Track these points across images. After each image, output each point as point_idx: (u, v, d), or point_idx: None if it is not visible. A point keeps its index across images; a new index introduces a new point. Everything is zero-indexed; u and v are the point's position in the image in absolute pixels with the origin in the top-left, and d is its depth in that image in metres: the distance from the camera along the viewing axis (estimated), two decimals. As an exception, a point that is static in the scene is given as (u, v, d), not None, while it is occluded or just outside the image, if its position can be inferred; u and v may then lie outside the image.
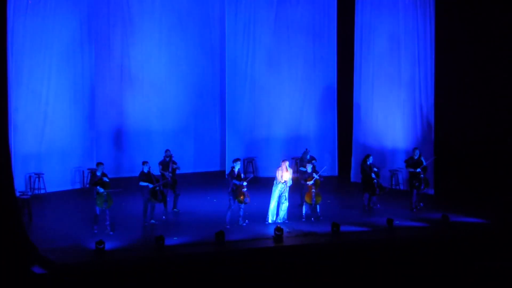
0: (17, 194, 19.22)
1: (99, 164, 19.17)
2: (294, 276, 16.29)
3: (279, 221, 19.29)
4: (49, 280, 15.17)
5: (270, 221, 19.35)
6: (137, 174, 19.95)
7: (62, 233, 18.47)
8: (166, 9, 26.44)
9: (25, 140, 22.54)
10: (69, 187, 23.75)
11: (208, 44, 27.37)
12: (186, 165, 23.49)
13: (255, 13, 26.21)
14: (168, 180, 20.23)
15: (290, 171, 19.66)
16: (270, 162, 25.20)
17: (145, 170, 19.16)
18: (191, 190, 22.55)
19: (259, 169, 26.31)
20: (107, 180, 18.76)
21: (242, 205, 19.07)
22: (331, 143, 26.76)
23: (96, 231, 18.37)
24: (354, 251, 17.43)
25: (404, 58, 24.14)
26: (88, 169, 23.69)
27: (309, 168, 20.10)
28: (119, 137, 26.07)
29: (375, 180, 20.79)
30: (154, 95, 26.46)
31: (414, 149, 21.51)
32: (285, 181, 19.45)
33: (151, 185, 19.03)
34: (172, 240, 17.29)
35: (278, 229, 17.80)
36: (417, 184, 21.08)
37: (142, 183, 19.09)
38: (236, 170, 19.11)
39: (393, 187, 23.79)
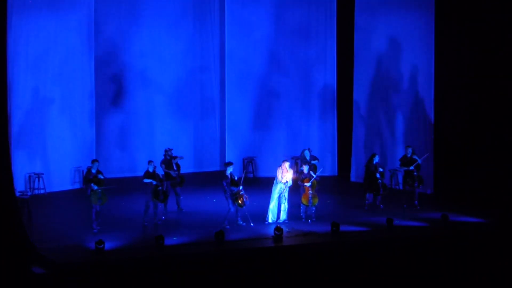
0: (17, 194, 19.23)
1: (94, 161, 19.31)
2: (294, 276, 16.30)
3: (281, 221, 19.29)
4: (49, 280, 15.17)
5: (270, 221, 19.35)
6: (136, 173, 20.03)
7: (61, 233, 18.48)
8: (166, 9, 26.45)
9: (24, 139, 22.54)
10: (68, 187, 23.74)
11: (208, 43, 27.35)
12: (185, 165, 23.46)
13: (255, 13, 26.22)
14: (176, 179, 20.29)
15: (291, 171, 19.66)
16: (270, 162, 25.19)
17: (150, 169, 19.18)
18: (190, 190, 22.54)
19: (259, 169, 26.32)
20: (102, 177, 18.87)
21: (243, 207, 19.08)
22: (331, 143, 26.76)
23: (95, 230, 18.43)
24: (354, 251, 17.43)
25: (404, 58, 24.14)
26: (88, 168, 23.67)
27: (305, 168, 20.07)
28: (118, 137, 26.07)
29: (379, 180, 20.78)
30: (154, 95, 26.47)
31: (407, 147, 21.59)
32: (286, 182, 19.45)
33: (154, 182, 19.01)
34: (171, 240, 17.29)
35: (278, 229, 17.80)
36: (410, 182, 21.15)
37: (146, 180, 19.07)
38: (228, 175, 19.08)
39: (393, 186, 23.78)
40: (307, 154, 21.63)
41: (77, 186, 24.04)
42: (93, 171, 18.98)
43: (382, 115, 24.83)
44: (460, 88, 22.80)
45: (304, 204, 19.77)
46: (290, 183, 19.55)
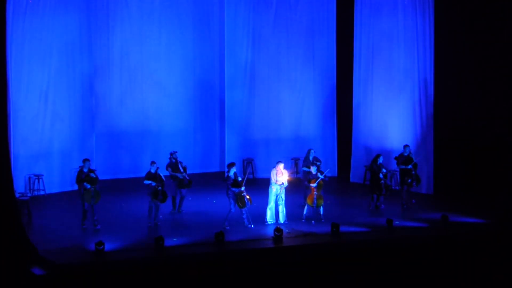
0: (17, 195, 19.23)
1: (85, 160, 19.42)
2: (294, 276, 16.30)
3: (280, 222, 19.28)
4: (49, 281, 15.16)
5: (269, 222, 19.34)
6: (137, 175, 20.06)
7: (61, 234, 18.48)
8: (165, 10, 26.45)
9: (24, 141, 22.54)
10: (68, 188, 23.71)
11: (207, 44, 27.37)
12: (186, 166, 23.45)
13: (255, 13, 26.23)
14: (185, 181, 20.32)
15: (286, 172, 19.63)
16: (269, 163, 25.04)
17: (152, 170, 19.20)
18: (190, 191, 22.51)
19: (258, 170, 26.31)
20: (94, 176, 19.00)
21: (245, 209, 19.07)
22: (331, 144, 26.77)
23: (85, 226, 18.68)
24: (354, 252, 17.43)
25: (404, 58, 24.15)
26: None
27: (313, 169, 20.02)
28: (118, 138, 26.05)
29: (382, 181, 20.78)
30: (154, 96, 26.47)
31: (405, 146, 21.63)
32: (282, 183, 19.44)
33: (154, 183, 19.03)
34: (171, 241, 17.28)
35: (278, 230, 17.79)
36: (409, 180, 21.20)
37: (146, 181, 19.10)
38: (232, 175, 19.08)
39: (393, 187, 23.76)
40: (311, 155, 21.57)
41: (76, 187, 24.01)
42: (85, 170, 19.12)
43: (382, 115, 24.82)
44: (460, 88, 22.82)
45: (308, 205, 19.74)
46: (286, 184, 19.53)
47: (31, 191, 22.54)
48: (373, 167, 20.96)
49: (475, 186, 22.13)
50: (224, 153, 26.58)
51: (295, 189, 21.86)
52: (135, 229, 18.77)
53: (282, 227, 18.09)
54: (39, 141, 23.13)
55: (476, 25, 22.26)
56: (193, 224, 19.44)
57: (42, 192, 22.81)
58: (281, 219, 19.42)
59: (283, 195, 19.48)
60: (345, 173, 25.95)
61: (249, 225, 18.95)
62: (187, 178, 20.64)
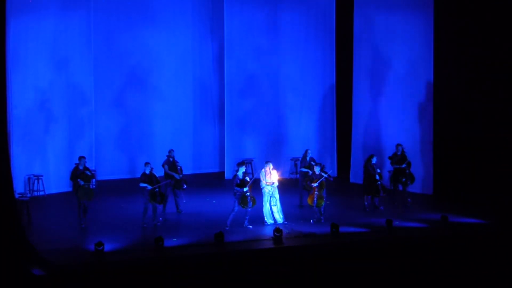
0: (16, 196, 19.23)
1: (81, 158, 19.60)
2: (294, 277, 16.30)
3: (279, 222, 19.28)
4: (49, 282, 15.16)
5: (268, 222, 19.33)
6: (136, 175, 20.05)
7: (61, 235, 18.49)
8: (165, 10, 26.46)
9: (24, 141, 22.54)
10: (68, 189, 23.68)
11: (207, 45, 27.38)
12: (185, 167, 23.45)
13: (254, 13, 26.22)
14: (181, 183, 20.31)
15: (276, 172, 19.60)
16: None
17: (147, 171, 19.21)
18: (190, 191, 22.52)
19: (257, 170, 26.27)
20: (89, 173, 19.28)
21: (249, 209, 19.06)
22: (330, 144, 26.77)
23: (83, 225, 18.88)
24: (354, 252, 17.42)
25: (404, 58, 24.13)
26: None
27: (317, 169, 19.96)
28: (118, 139, 26.07)
29: (379, 182, 20.77)
30: (154, 97, 26.49)
31: (397, 145, 21.69)
32: (272, 183, 19.42)
33: (150, 187, 19.05)
34: (171, 241, 17.28)
35: (278, 230, 17.79)
36: (404, 179, 21.21)
37: (142, 184, 19.14)
38: (240, 174, 19.08)
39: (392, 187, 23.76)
40: (309, 155, 21.58)
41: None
42: (81, 167, 19.33)
43: (382, 115, 24.82)
44: (460, 89, 22.79)
45: (309, 205, 19.72)
46: (276, 183, 19.50)
47: (31, 191, 22.54)
48: (368, 168, 20.94)
49: (475, 186, 22.12)
50: (224, 153, 26.56)
51: (292, 189, 21.89)
52: (134, 230, 18.78)
53: (281, 228, 18.08)
54: (39, 142, 23.13)
55: (477, 24, 22.25)
56: (192, 224, 19.43)
57: (41, 193, 22.81)
58: (279, 219, 19.38)
59: (276, 195, 19.45)
60: (345, 173, 25.94)
61: (248, 226, 18.94)
62: (181, 178, 20.53)
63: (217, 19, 27.15)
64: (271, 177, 19.44)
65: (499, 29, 21.84)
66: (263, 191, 19.45)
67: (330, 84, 26.75)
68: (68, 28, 23.57)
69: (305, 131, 26.71)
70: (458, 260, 17.32)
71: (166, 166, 20.65)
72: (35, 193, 22.62)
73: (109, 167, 25.66)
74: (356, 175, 25.26)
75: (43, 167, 23.17)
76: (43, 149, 23.25)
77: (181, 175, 20.64)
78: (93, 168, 24.17)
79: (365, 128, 25.28)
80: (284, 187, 20.84)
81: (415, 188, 23.47)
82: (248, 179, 19.10)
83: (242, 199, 18.87)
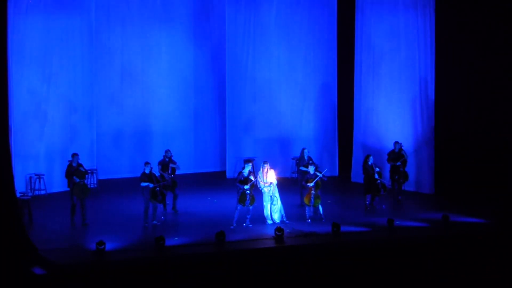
0: (18, 195, 19.25)
1: (74, 155, 19.78)
2: (295, 276, 16.30)
3: (278, 222, 19.28)
4: (50, 281, 15.17)
5: (269, 222, 19.34)
6: (137, 174, 20.02)
7: (62, 234, 18.51)
8: (166, 9, 26.44)
9: (25, 140, 22.55)
10: (69, 188, 23.71)
11: (208, 44, 27.36)
12: (186, 166, 23.50)
13: (255, 13, 26.21)
14: (168, 182, 20.20)
15: (273, 171, 19.60)
16: (270, 162, 25.08)
17: (147, 171, 19.22)
18: (191, 190, 22.54)
19: (259, 169, 26.24)
20: (83, 170, 19.46)
21: (251, 207, 19.05)
22: (332, 143, 26.76)
23: (74, 222, 19.11)
24: (355, 252, 17.42)
25: (405, 57, 24.12)
26: (88, 169, 23.66)
27: (311, 169, 20.02)
28: (119, 138, 26.08)
29: (378, 181, 20.78)
30: (154, 96, 26.48)
31: (395, 143, 21.81)
32: (270, 183, 19.43)
33: (151, 185, 19.06)
34: (172, 241, 17.28)
35: (279, 230, 17.79)
36: (396, 177, 21.26)
37: (143, 184, 19.15)
38: (245, 172, 19.09)
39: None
40: (306, 154, 21.58)
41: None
42: (74, 164, 19.49)
43: (383, 115, 24.81)
44: (461, 88, 22.81)
45: (306, 204, 19.75)
46: (275, 182, 19.50)
47: (32, 190, 22.54)
48: (366, 167, 20.97)
49: (476, 186, 22.12)
50: (225, 152, 26.56)
51: (293, 189, 21.88)
52: (135, 229, 18.78)
53: (283, 227, 18.08)
54: (40, 141, 23.13)
55: (477, 24, 22.25)
56: (194, 223, 19.43)
57: (43, 192, 22.83)
58: (277, 218, 19.37)
59: (277, 194, 19.47)
60: (346, 172, 25.93)
61: (249, 225, 18.94)
62: (169, 179, 20.45)
63: (218, 18, 27.13)
64: (268, 177, 19.44)
65: (500, 28, 21.84)
66: (263, 191, 19.45)
67: (331, 82, 26.73)
68: (68, 27, 23.55)
69: (306, 130, 26.69)
70: (459, 260, 17.31)
71: (159, 166, 20.68)
72: (36, 192, 22.63)
73: (110, 166, 25.65)
74: (357, 175, 25.23)
75: (44, 166, 23.16)
76: (45, 148, 23.25)
77: (170, 176, 20.52)
78: (94, 167, 24.22)
79: (366, 127, 25.26)
80: (285, 186, 20.83)
81: (416, 187, 23.53)
82: (252, 178, 19.11)
83: (241, 196, 18.90)
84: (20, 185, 21.45)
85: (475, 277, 16.63)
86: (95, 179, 24.01)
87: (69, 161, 19.96)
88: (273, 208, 19.41)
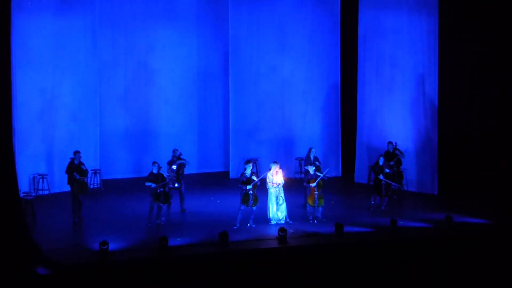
0: (21, 195, 19.25)
1: (76, 152, 19.94)
2: (298, 277, 16.30)
3: (282, 222, 19.28)
4: (53, 281, 15.18)
5: (273, 222, 19.33)
6: (141, 175, 20.08)
7: (66, 234, 18.55)
8: (170, 10, 26.46)
9: (29, 141, 22.58)
10: (69, 184, 23.73)
11: (211, 45, 27.36)
12: (190, 166, 23.45)
13: (259, 14, 26.19)
14: (167, 182, 20.22)
15: (281, 172, 19.60)
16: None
17: (154, 171, 19.22)
18: (194, 190, 22.55)
19: (262, 170, 26.27)
20: (84, 168, 19.66)
21: (254, 208, 19.05)
22: (335, 144, 26.76)
23: (76, 219, 19.31)
24: (358, 252, 17.42)
25: (408, 58, 24.11)
26: (92, 169, 23.73)
27: (311, 169, 20.04)
28: (123, 138, 26.08)
29: (383, 182, 20.78)
30: (157, 97, 26.48)
31: (388, 143, 21.94)
32: (278, 184, 19.42)
33: (154, 185, 19.06)
34: (175, 241, 17.29)
35: (282, 230, 17.79)
36: (389, 177, 21.34)
37: (147, 183, 19.16)
38: (247, 172, 19.09)
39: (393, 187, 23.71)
40: (312, 154, 21.57)
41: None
42: (76, 162, 19.69)
43: (387, 115, 24.80)
44: (465, 88, 22.78)
45: (310, 205, 19.74)
46: (282, 182, 19.50)
47: (36, 190, 22.57)
48: (375, 169, 21.02)
49: (479, 186, 22.10)
50: (228, 153, 26.56)
51: (297, 189, 21.87)
52: (139, 229, 18.78)
53: (286, 227, 18.08)
54: (44, 141, 23.16)
55: (481, 25, 22.23)
56: (197, 224, 19.44)
57: (46, 192, 22.85)
58: (282, 216, 19.36)
59: (282, 194, 19.46)
60: (350, 173, 25.93)
61: (252, 225, 18.94)
62: (172, 178, 20.45)
63: (222, 18, 27.12)
64: (277, 178, 19.44)
65: (504, 28, 21.82)
66: (269, 191, 19.45)
67: (335, 83, 26.73)
68: (73, 27, 23.57)
69: (310, 130, 26.67)
70: (462, 260, 17.30)
71: (168, 166, 20.68)
72: (40, 192, 22.65)
73: (115, 166, 25.67)
74: (360, 175, 25.25)
75: (48, 166, 23.18)
76: (48, 148, 23.26)
77: (171, 175, 20.50)
78: (98, 167, 24.23)
79: (370, 128, 25.25)
80: (288, 187, 20.82)
81: (419, 188, 23.51)
82: (255, 178, 19.11)
83: (244, 197, 18.90)
84: (23, 185, 21.48)
85: (479, 278, 16.62)
86: (98, 179, 24.03)
87: (71, 158, 20.03)
88: (279, 208, 19.41)
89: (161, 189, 19.20)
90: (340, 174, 26.51)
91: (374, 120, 25.16)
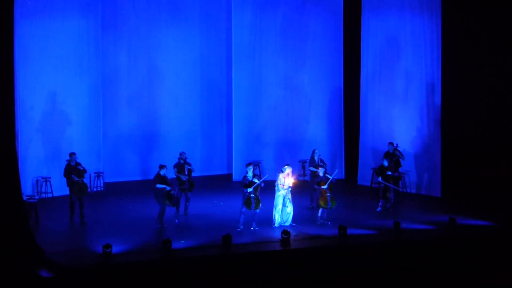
0: (24, 198, 19.29)
1: (72, 154, 19.98)
2: (301, 279, 16.29)
3: (286, 225, 19.26)
4: (57, 284, 15.18)
5: (277, 224, 19.32)
6: (144, 177, 20.05)
7: (69, 237, 18.54)
8: (173, 13, 26.49)
9: (32, 143, 22.59)
10: (68, 187, 23.73)
11: (215, 47, 27.38)
12: (194, 169, 23.45)
13: (262, 17, 26.21)
14: (186, 185, 20.27)
15: (292, 176, 19.58)
16: (277, 165, 25.11)
17: (162, 173, 19.19)
18: (198, 193, 22.53)
19: (265, 173, 26.25)
20: (82, 169, 19.67)
21: (257, 210, 19.05)
22: (338, 146, 26.76)
23: (74, 221, 19.37)
24: (361, 254, 17.40)
25: (411, 61, 24.13)
26: (95, 172, 23.75)
27: (321, 171, 19.99)
28: (126, 141, 26.08)
29: (381, 185, 20.79)
30: (161, 99, 26.51)
31: (389, 144, 21.92)
32: (289, 186, 19.41)
33: (168, 187, 19.03)
34: (179, 244, 17.28)
35: (285, 232, 17.78)
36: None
37: (159, 185, 19.08)
38: (249, 175, 19.08)
39: (401, 189, 23.70)
40: (316, 155, 21.57)
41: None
42: (73, 163, 19.71)
43: (389, 118, 24.80)
44: (468, 91, 22.76)
45: (322, 207, 19.68)
46: (291, 185, 19.49)
47: (39, 193, 22.57)
48: (378, 171, 21.03)
49: (482, 188, 22.08)
50: (231, 155, 26.57)
51: (301, 191, 21.86)
52: (142, 232, 18.77)
53: (289, 230, 18.07)
54: (47, 144, 23.17)
55: (484, 28, 22.22)
56: (200, 226, 19.43)
57: (49, 195, 22.85)
58: (287, 218, 19.34)
59: (289, 196, 19.46)
60: (353, 175, 25.93)
61: (256, 228, 18.93)
62: (186, 181, 20.49)
63: (226, 22, 27.14)
64: (288, 180, 19.41)
65: (507, 30, 21.80)
66: (276, 193, 19.42)
67: (338, 85, 26.74)
68: (77, 28, 23.58)
69: (313, 133, 26.68)
70: (466, 262, 17.27)
71: (175, 169, 20.69)
72: (43, 195, 22.66)
73: (119, 168, 25.68)
74: (363, 177, 25.26)
75: (51, 169, 23.19)
76: (51, 151, 23.27)
77: (186, 177, 20.55)
78: (101, 170, 24.25)
79: (373, 130, 25.27)
80: (292, 189, 20.80)
81: (422, 190, 23.51)
82: (256, 180, 19.09)
83: (247, 200, 18.88)
84: (27, 188, 21.50)
85: (482, 280, 16.59)
86: (101, 182, 24.05)
87: (67, 160, 20.04)
88: (285, 210, 19.39)
89: (173, 191, 19.21)
90: (343, 176, 26.50)
91: (377, 123, 25.17)
